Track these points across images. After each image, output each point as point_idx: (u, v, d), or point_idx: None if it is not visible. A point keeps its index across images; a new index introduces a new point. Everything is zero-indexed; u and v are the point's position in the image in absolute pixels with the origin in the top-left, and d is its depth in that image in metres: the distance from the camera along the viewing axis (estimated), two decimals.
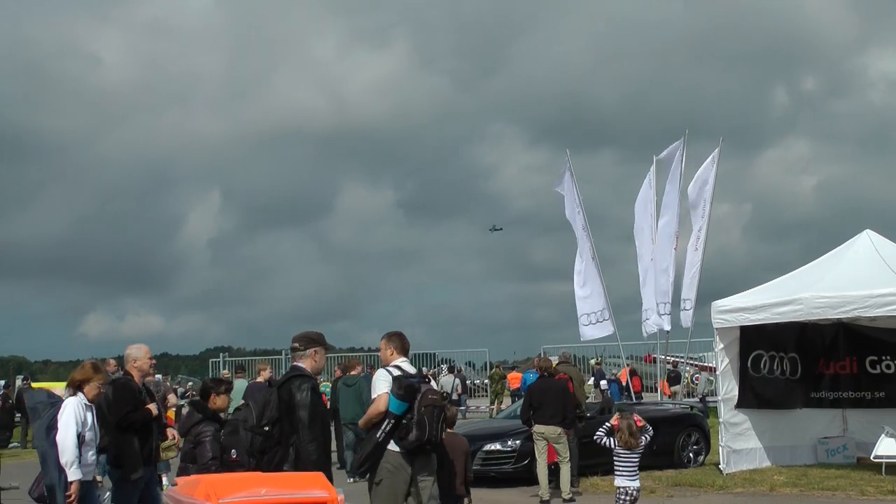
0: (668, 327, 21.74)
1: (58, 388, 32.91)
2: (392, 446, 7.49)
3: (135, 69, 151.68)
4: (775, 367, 16.07)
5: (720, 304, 15.66)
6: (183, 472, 7.42)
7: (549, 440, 13.22)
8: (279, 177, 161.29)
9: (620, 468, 10.02)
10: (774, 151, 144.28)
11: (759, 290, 15.95)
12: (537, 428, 13.27)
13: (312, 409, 6.59)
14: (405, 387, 7.39)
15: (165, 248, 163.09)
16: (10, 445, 27.67)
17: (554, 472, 13.37)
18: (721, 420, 15.53)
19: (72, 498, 7.37)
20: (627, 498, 9.82)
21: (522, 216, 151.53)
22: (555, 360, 17.83)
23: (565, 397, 13.54)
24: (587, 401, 16.16)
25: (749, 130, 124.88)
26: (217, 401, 7.67)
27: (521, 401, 19.96)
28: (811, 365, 16.63)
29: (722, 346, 15.67)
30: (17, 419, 28.74)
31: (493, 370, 33.72)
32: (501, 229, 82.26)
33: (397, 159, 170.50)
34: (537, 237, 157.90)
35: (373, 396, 7.73)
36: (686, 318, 21.33)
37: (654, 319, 21.52)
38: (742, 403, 15.64)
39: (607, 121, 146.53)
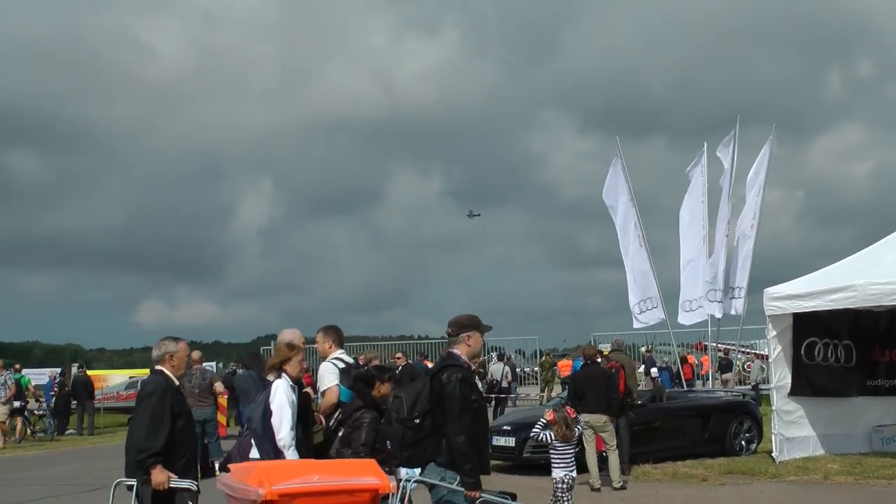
0: (719, 315, 21.53)
1: (112, 375, 33.33)
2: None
3: (188, 59, 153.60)
4: (829, 355, 15.88)
5: (773, 291, 15.50)
6: (339, 456, 7.46)
7: (595, 429, 13.18)
8: (330, 165, 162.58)
9: (557, 460, 10.18)
10: (828, 137, 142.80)
11: (813, 276, 15.77)
12: (583, 416, 13.24)
13: (462, 400, 6.44)
14: (354, 377, 7.70)
15: (218, 236, 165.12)
16: (67, 432, 28.18)
17: (604, 459, 13.33)
18: (774, 408, 15.39)
19: None
20: (564, 486, 10.05)
21: (573, 204, 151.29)
22: (607, 347, 17.78)
23: (610, 385, 13.47)
24: (638, 389, 16.08)
25: (802, 116, 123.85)
26: (381, 388, 7.61)
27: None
28: (866, 352, 16.41)
29: (775, 333, 15.51)
30: (73, 406, 29.26)
31: (543, 358, 33.67)
32: (479, 215, 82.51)
33: (447, 147, 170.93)
34: (588, 225, 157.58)
35: (322, 389, 7.95)
36: (738, 305, 21.11)
37: (707, 307, 21.30)
38: (796, 391, 15.48)
39: (658, 107, 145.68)
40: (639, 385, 16.95)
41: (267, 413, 7.39)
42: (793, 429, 15.39)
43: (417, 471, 6.57)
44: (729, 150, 21.80)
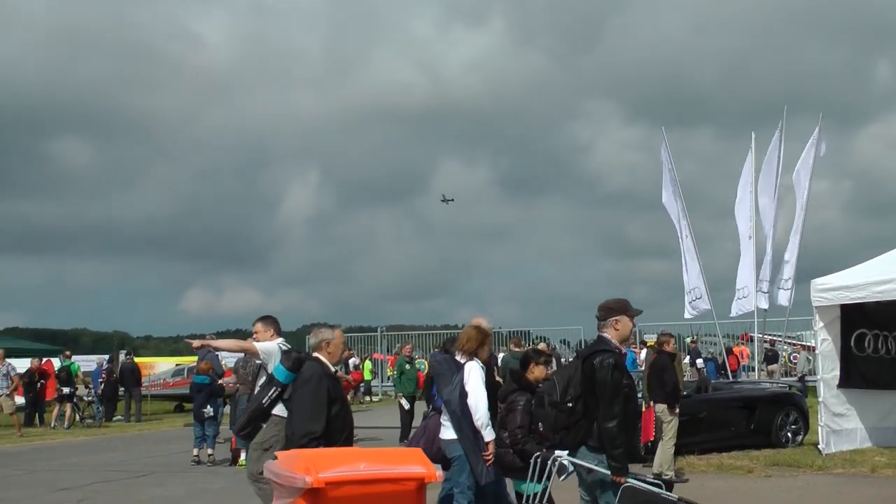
0: (765, 305, 21.38)
1: (159, 362, 33.68)
2: (282, 412, 7.95)
3: (236, 49, 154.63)
4: (880, 347, 15.67)
5: (820, 282, 15.33)
6: (496, 437, 7.63)
7: (659, 418, 13.15)
8: (376, 154, 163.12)
9: None
10: (877, 127, 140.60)
11: (860, 268, 15.57)
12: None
13: (614, 385, 6.49)
14: (293, 360, 7.91)
15: (264, 224, 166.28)
16: (115, 418, 28.56)
17: (650, 449, 13.29)
18: (820, 399, 15.23)
19: (489, 457, 7.69)
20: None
21: (618, 193, 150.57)
22: (652, 338, 17.69)
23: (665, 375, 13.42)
24: (684, 379, 15.98)
25: (850, 106, 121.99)
26: (535, 371, 7.69)
27: None
28: None
29: (822, 324, 15.35)
30: (120, 393, 29.64)
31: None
32: (453, 200, 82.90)
33: (493, 136, 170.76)
34: (633, 214, 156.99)
35: (270, 369, 8.31)
36: (784, 296, 20.94)
37: (752, 299, 21.16)
38: (846, 383, 15.30)
39: (705, 97, 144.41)
40: (684, 376, 16.86)
41: (463, 394, 7.67)
42: (840, 421, 15.23)
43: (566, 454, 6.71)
44: (774, 135, 21.62)
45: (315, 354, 7.28)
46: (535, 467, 6.78)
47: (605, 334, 6.81)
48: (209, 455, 16.15)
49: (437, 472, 5.73)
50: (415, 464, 5.70)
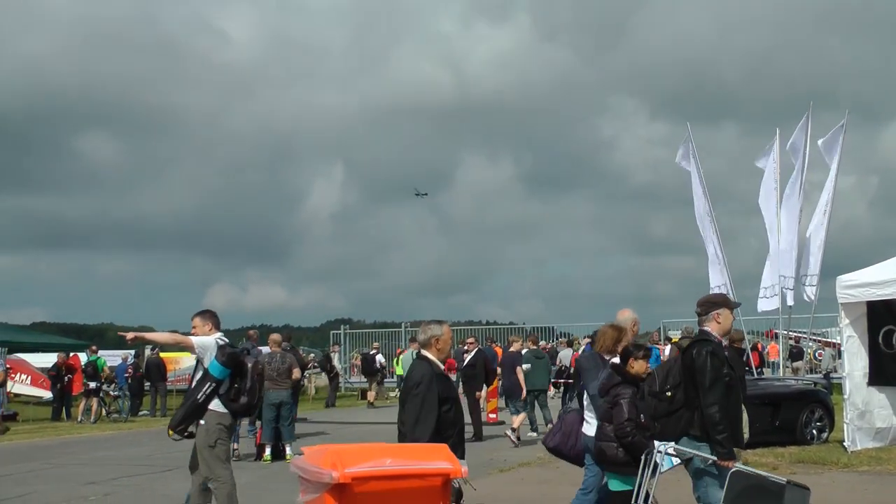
0: (791, 302, 21.27)
1: (184, 357, 33.73)
2: (219, 408, 8.30)
3: (261, 45, 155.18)
4: None
5: (846, 278, 15.24)
6: (599, 430, 7.64)
7: None
8: (400, 150, 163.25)
9: None
10: None
11: (886, 264, 15.44)
12: None
13: (713, 372, 6.68)
14: (228, 355, 8.18)
15: (289, 220, 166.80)
16: (140, 413, 28.76)
17: None
18: (846, 396, 15.14)
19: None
20: None
21: (642, 189, 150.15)
22: (676, 335, 17.64)
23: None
24: None
25: (876, 100, 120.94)
26: (635, 365, 7.69)
27: None
28: None
29: (848, 321, 15.25)
30: (146, 388, 29.85)
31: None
32: (426, 194, 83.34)
33: (517, 133, 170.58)
34: (657, 211, 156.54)
35: (206, 364, 8.46)
36: (810, 293, 20.83)
37: (780, 294, 21.06)
38: (875, 380, 15.18)
39: (729, 92, 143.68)
40: None
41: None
42: (866, 418, 15.14)
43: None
44: (802, 136, 21.48)
45: (424, 353, 7.00)
46: (646, 461, 6.87)
47: (706, 328, 7.02)
48: (234, 450, 16.23)
49: (463, 467, 5.75)
50: (441, 459, 5.72)
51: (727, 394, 6.74)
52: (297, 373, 16.64)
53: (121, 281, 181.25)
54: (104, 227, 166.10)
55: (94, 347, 29.47)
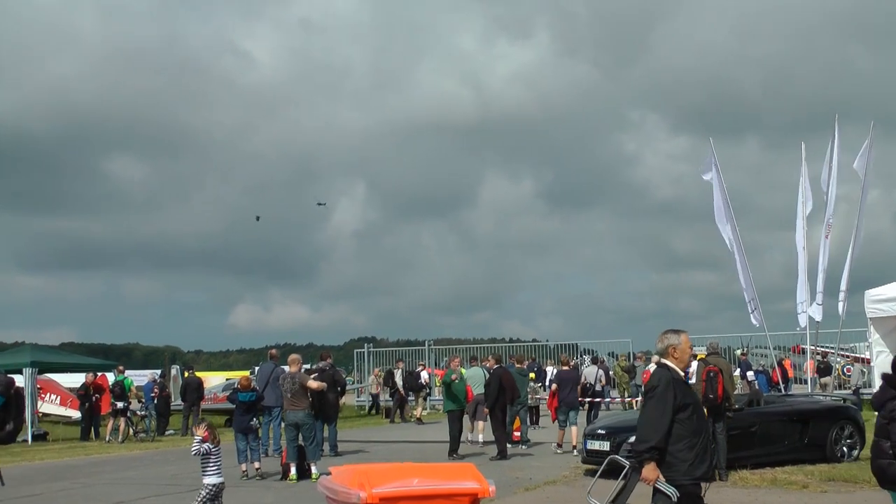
0: (819, 317, 21.13)
1: (210, 376, 33.92)
2: None
3: (284, 65, 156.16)
4: None
5: (874, 293, 15.14)
6: (875, 447, 7.40)
7: None
8: (422, 168, 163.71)
9: (213, 467, 10.62)
10: None
11: None
12: None
13: None
14: (4, 384, 8.21)
15: (312, 239, 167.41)
16: (167, 432, 28.84)
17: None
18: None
19: None
20: (214, 489, 10.53)
21: (664, 204, 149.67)
22: (701, 350, 17.53)
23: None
24: (735, 392, 15.82)
25: None
26: None
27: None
28: None
29: (877, 336, 15.13)
30: (173, 407, 29.93)
31: (620, 360, 33.48)
32: (324, 204, 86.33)
33: (538, 149, 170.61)
34: (680, 226, 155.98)
35: None
36: (839, 307, 20.70)
37: (811, 309, 20.95)
38: None
39: (752, 106, 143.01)
40: (735, 389, 16.70)
41: None
42: None
43: None
44: (829, 150, 21.40)
45: (663, 361, 7.08)
46: None
47: None
48: (256, 469, 16.23)
49: (490, 486, 5.74)
50: (468, 479, 5.72)
51: None
52: (313, 384, 16.31)
53: (147, 301, 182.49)
54: (130, 248, 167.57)
55: (121, 367, 29.59)
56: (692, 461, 6.58)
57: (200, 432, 10.87)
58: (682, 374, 6.90)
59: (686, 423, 6.61)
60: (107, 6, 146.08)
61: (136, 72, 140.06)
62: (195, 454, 10.75)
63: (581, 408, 24.54)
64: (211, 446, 10.74)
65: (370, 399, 36.77)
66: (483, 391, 19.96)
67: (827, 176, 21.38)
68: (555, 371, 24.58)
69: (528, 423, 22.19)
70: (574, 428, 18.87)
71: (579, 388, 20.55)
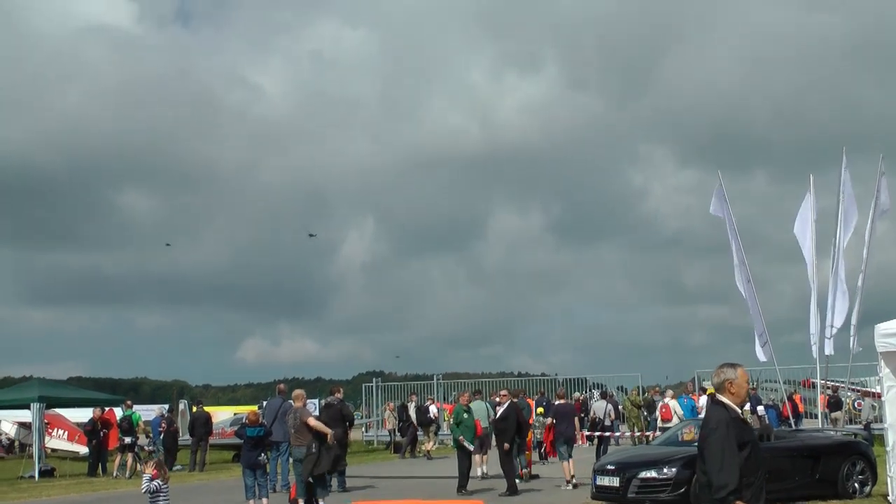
0: (829, 351, 21.04)
1: (218, 411, 33.84)
2: None
3: (293, 98, 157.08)
4: None
5: (884, 327, 15.04)
6: None
7: None
8: (431, 200, 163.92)
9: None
10: None
11: None
12: None
13: None
14: None
15: (321, 273, 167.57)
16: (175, 468, 28.73)
17: None
18: (889, 448, 14.87)
19: None
20: None
21: (673, 238, 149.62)
22: (711, 385, 17.44)
23: None
24: None
25: None
26: None
27: (676, 426, 19.67)
28: None
29: (888, 370, 15.04)
30: (181, 442, 29.84)
31: (646, 395, 33.35)
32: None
33: (547, 182, 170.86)
34: (688, 259, 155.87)
35: None
36: (850, 341, 20.60)
37: (825, 343, 20.87)
38: None
39: (760, 139, 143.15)
40: None
41: None
42: None
43: None
44: (837, 183, 21.40)
45: (719, 397, 6.77)
46: None
47: None
48: None
49: None
50: None
51: None
52: (313, 422, 16.16)
53: (155, 335, 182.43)
54: (139, 282, 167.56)
55: (128, 402, 29.56)
56: (748, 499, 6.48)
57: (149, 470, 11.05)
58: (738, 410, 6.70)
59: (746, 461, 6.47)
60: (119, 39, 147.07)
61: (148, 105, 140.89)
62: (145, 491, 10.93)
63: (590, 443, 24.46)
64: (160, 483, 10.88)
65: (388, 434, 36.32)
66: (487, 425, 19.94)
67: (836, 209, 21.37)
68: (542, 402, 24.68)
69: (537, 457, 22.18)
70: (571, 461, 18.94)
71: (580, 421, 20.59)
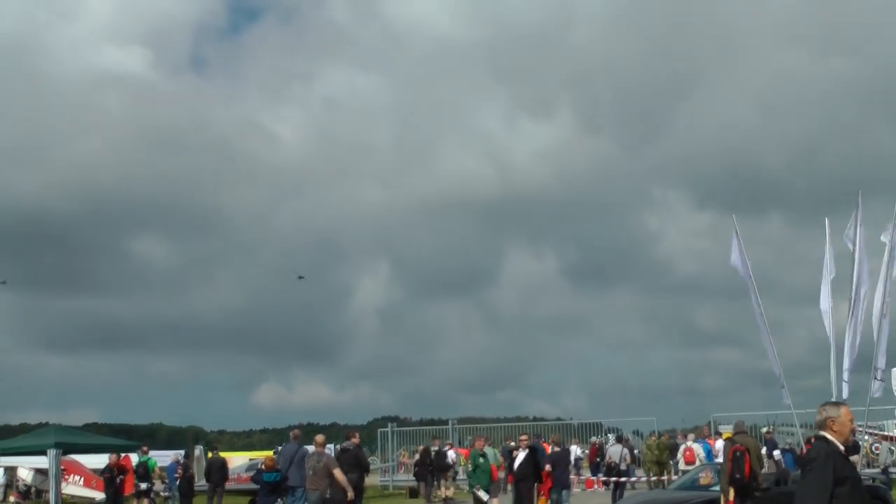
0: (846, 395, 20.98)
1: (233, 457, 33.88)
2: None
3: (307, 144, 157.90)
4: None
5: None
6: None
7: None
8: (445, 245, 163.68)
9: None
10: None
11: None
12: None
13: None
14: None
15: (335, 318, 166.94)
16: None
17: None
18: None
19: None
20: None
21: (688, 281, 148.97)
22: (727, 429, 17.44)
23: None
24: (762, 471, 15.67)
25: None
26: None
27: (693, 470, 19.60)
28: None
29: None
30: (197, 488, 29.78)
31: (661, 439, 33.14)
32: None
33: (561, 225, 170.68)
34: (703, 302, 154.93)
35: None
36: (874, 386, 20.55)
37: (842, 387, 20.82)
38: None
39: (774, 182, 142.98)
40: (762, 468, 16.57)
41: None
42: None
43: None
44: (853, 228, 21.43)
45: (822, 433, 6.98)
46: None
47: None
48: None
49: None
50: None
51: None
52: (339, 475, 16.32)
53: (170, 381, 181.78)
54: (155, 328, 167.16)
55: (144, 448, 29.57)
56: None
57: None
58: (841, 447, 6.81)
59: (845, 498, 6.52)
60: (133, 87, 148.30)
61: (163, 152, 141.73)
62: None
63: (606, 487, 24.35)
64: None
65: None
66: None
67: (852, 252, 21.39)
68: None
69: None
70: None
71: (596, 465, 20.76)
